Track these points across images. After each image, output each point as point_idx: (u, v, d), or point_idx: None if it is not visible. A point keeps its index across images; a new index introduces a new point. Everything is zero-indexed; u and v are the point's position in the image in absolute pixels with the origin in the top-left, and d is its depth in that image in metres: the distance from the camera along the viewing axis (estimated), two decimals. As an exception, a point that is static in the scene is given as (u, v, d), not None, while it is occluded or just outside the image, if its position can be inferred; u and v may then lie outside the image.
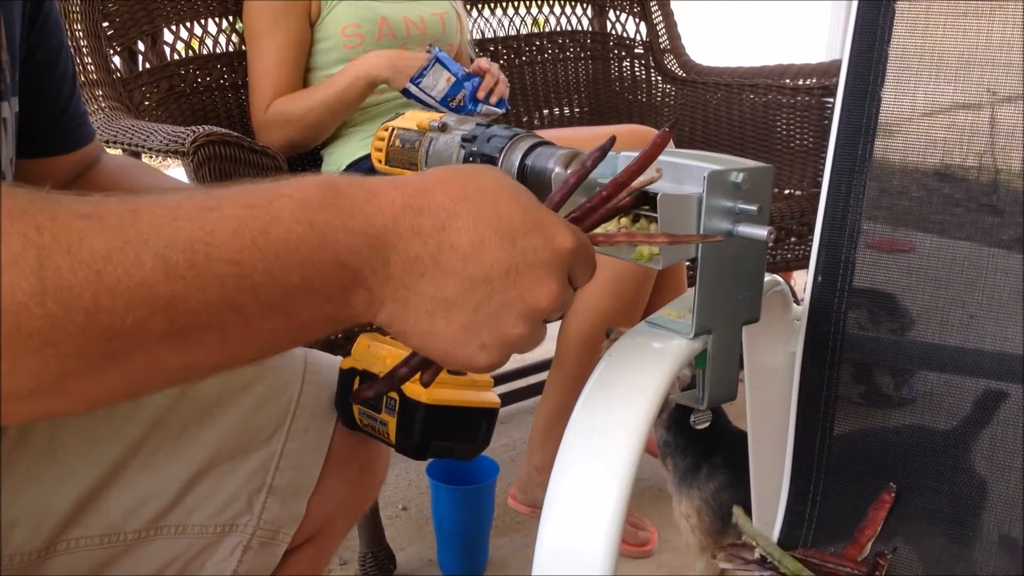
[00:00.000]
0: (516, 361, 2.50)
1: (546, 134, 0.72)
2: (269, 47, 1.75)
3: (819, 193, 0.95)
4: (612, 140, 0.60)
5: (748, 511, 0.99)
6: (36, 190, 0.41)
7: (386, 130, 0.73)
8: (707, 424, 0.71)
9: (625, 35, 2.49)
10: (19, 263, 0.38)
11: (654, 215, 0.60)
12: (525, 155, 0.68)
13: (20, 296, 0.38)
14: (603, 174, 0.65)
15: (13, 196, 0.40)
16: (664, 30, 2.45)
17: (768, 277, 0.77)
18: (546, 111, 2.39)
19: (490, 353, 0.52)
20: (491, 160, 0.66)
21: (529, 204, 0.53)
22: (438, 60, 1.70)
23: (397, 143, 0.72)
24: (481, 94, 1.74)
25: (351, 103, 1.73)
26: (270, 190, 0.47)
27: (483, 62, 1.76)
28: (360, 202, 0.49)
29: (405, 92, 1.71)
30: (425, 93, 1.69)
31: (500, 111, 1.80)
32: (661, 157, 0.64)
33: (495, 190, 0.52)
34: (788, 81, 2.13)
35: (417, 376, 0.71)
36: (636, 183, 0.59)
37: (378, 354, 0.75)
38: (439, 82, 1.70)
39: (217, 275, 0.44)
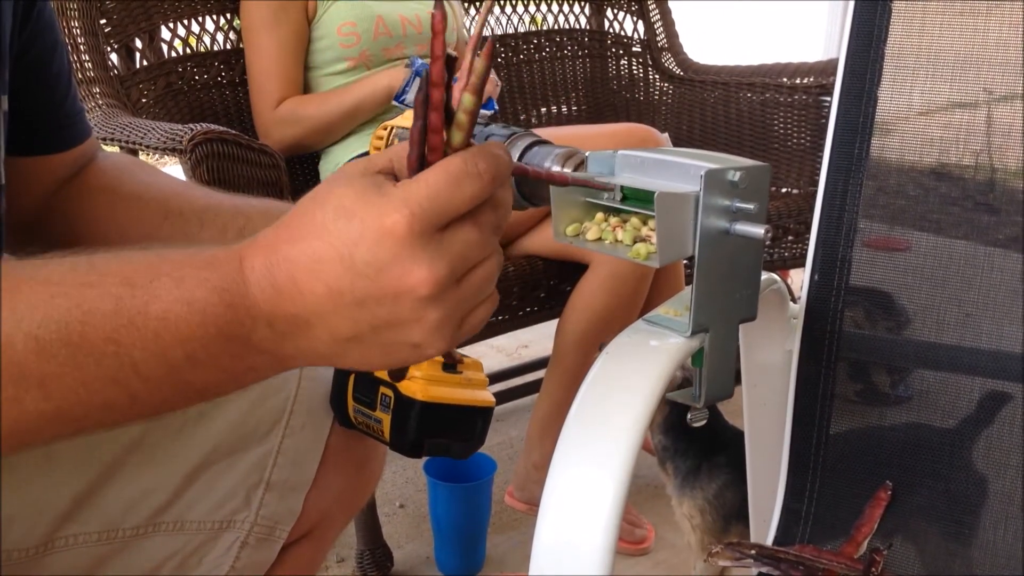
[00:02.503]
0: (513, 359, 2.50)
1: (544, 132, 0.72)
2: (269, 44, 1.75)
3: (816, 192, 0.95)
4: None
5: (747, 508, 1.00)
6: None
7: (385, 128, 0.73)
8: (704, 422, 0.72)
9: (623, 33, 2.49)
10: None
11: (651, 213, 0.60)
12: (523, 153, 0.68)
13: None
14: (600, 172, 0.65)
15: None
16: (662, 28, 2.45)
17: (765, 275, 0.77)
18: (543, 109, 2.39)
19: (430, 344, 0.50)
20: None
21: (346, 201, 0.48)
22: (418, 74, 1.70)
23: (395, 142, 0.72)
24: None
25: (370, 111, 1.75)
26: (151, 267, 0.48)
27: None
28: (229, 270, 0.49)
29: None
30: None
31: (488, 112, 1.80)
32: (659, 155, 0.64)
33: (311, 208, 0.50)
34: (785, 80, 2.13)
35: (411, 374, 0.72)
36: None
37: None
38: None
39: (92, 354, 0.45)
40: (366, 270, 0.48)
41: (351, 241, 0.48)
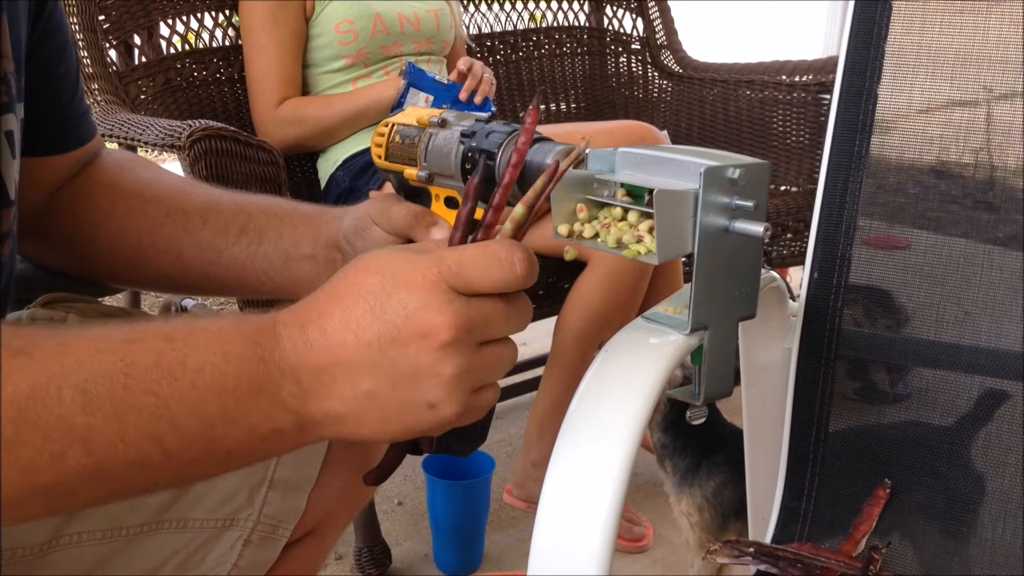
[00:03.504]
0: (512, 356, 2.50)
1: (544, 130, 0.72)
2: (269, 44, 1.75)
3: (815, 189, 0.95)
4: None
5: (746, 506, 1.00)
6: None
7: (386, 126, 0.73)
8: (703, 420, 0.72)
9: (622, 31, 2.49)
10: None
11: (649, 211, 0.60)
12: (523, 151, 0.68)
13: None
14: (600, 170, 0.65)
15: None
16: (661, 26, 2.46)
17: (764, 273, 0.77)
18: (543, 106, 2.39)
19: (446, 403, 0.52)
20: (490, 155, 0.65)
21: (386, 263, 0.52)
22: (411, 85, 1.71)
23: (397, 139, 0.72)
24: (464, 96, 1.74)
25: (372, 118, 1.76)
26: (189, 324, 0.51)
27: (463, 65, 1.76)
28: (264, 328, 0.52)
29: None
30: None
31: (486, 113, 1.80)
32: (659, 152, 0.64)
33: (355, 272, 0.53)
34: (785, 78, 2.13)
35: None
36: (562, 167, 0.58)
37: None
38: (418, 104, 1.70)
39: (134, 406, 0.46)
40: (393, 317, 0.51)
41: (383, 292, 0.51)
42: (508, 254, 0.53)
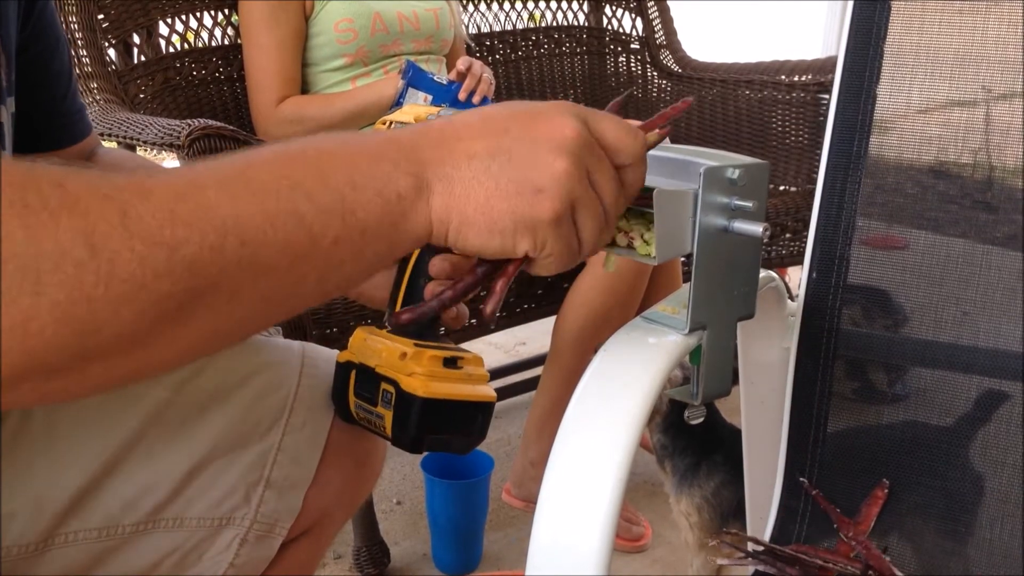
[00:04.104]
0: (511, 356, 2.50)
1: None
2: (268, 43, 1.75)
3: (814, 189, 0.95)
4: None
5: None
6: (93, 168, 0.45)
7: (384, 123, 0.73)
8: (701, 419, 0.72)
9: (621, 30, 2.49)
10: (105, 215, 0.41)
11: (649, 210, 0.60)
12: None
13: (112, 244, 0.41)
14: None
15: (86, 172, 0.43)
16: (660, 26, 2.45)
17: (763, 273, 0.77)
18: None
19: (549, 196, 0.54)
20: None
21: (514, 102, 0.58)
22: (410, 85, 1.71)
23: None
24: (463, 95, 1.74)
25: (373, 117, 1.76)
26: (305, 138, 0.53)
27: (461, 65, 1.76)
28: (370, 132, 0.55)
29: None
30: None
31: None
32: (658, 152, 0.64)
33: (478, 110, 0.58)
34: (784, 77, 2.13)
35: (413, 370, 0.72)
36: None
37: (375, 347, 0.75)
38: (417, 104, 1.71)
39: (272, 190, 0.47)
40: (523, 113, 0.55)
41: (519, 105, 0.57)
42: (635, 129, 0.59)
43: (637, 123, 0.62)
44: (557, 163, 0.54)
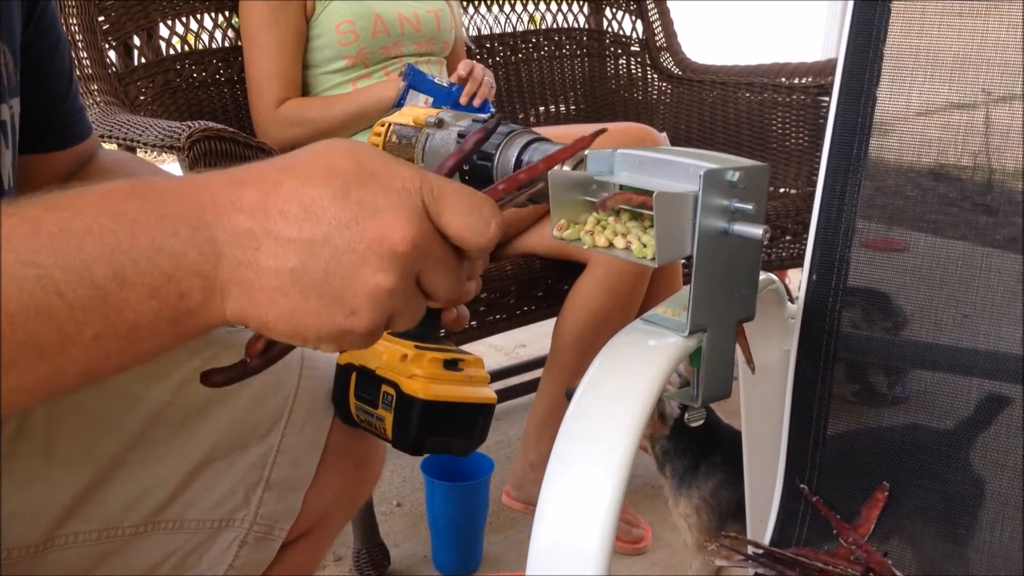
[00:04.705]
0: (511, 358, 2.50)
1: (542, 131, 0.72)
2: (269, 44, 1.75)
3: (814, 192, 0.95)
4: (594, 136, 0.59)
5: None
6: None
7: (383, 125, 0.73)
8: (701, 422, 0.72)
9: (621, 32, 2.49)
10: None
11: (649, 212, 0.60)
12: (522, 151, 0.68)
13: None
14: (599, 171, 0.65)
15: None
16: (660, 28, 2.45)
17: (763, 275, 0.77)
18: (542, 108, 2.39)
19: (364, 316, 0.47)
20: (487, 156, 0.66)
21: (366, 156, 0.48)
22: (411, 87, 1.71)
23: (393, 139, 0.72)
24: (464, 100, 1.74)
25: (373, 119, 1.75)
26: (75, 191, 0.45)
27: (463, 69, 1.76)
28: (173, 187, 0.46)
29: None
30: None
31: (484, 116, 1.81)
32: (658, 154, 0.64)
33: (326, 149, 0.49)
34: (784, 80, 2.13)
35: (413, 372, 0.72)
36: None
37: (375, 349, 0.75)
38: (418, 105, 1.71)
39: (15, 278, 0.41)
40: (356, 206, 0.46)
41: (355, 179, 0.47)
42: (490, 211, 0.50)
43: (501, 184, 0.56)
44: (378, 279, 0.47)
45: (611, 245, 0.64)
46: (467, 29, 2.24)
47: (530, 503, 1.84)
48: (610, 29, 2.50)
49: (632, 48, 2.48)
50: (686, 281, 0.68)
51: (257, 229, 0.45)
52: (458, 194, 0.49)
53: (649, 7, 2.46)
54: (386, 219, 0.46)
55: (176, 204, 0.45)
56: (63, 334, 0.42)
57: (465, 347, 0.89)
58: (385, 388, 0.73)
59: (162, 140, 1.35)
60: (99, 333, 0.43)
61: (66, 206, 0.43)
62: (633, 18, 2.48)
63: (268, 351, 0.56)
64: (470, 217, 0.49)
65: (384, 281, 0.47)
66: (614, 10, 2.49)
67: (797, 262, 1.98)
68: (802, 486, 0.93)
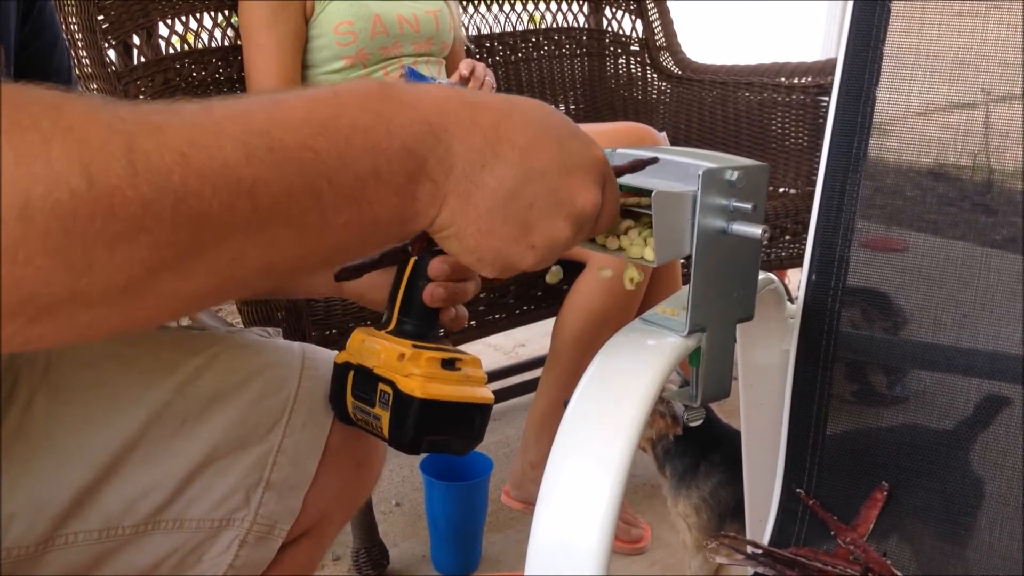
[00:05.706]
0: (511, 358, 2.50)
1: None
2: (268, 44, 1.75)
3: (814, 191, 0.95)
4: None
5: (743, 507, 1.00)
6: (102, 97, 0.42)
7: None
8: (700, 421, 0.72)
9: (621, 32, 2.49)
10: (108, 147, 0.38)
11: (648, 212, 0.60)
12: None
13: (113, 179, 0.38)
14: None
15: (86, 97, 0.40)
16: (660, 27, 2.45)
17: (762, 275, 0.77)
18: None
19: (537, 254, 0.54)
20: None
21: (564, 116, 0.56)
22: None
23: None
24: None
25: None
26: (330, 87, 0.49)
27: (464, 69, 1.76)
28: (420, 95, 0.50)
29: None
30: None
31: None
32: (658, 154, 0.64)
33: (529, 101, 0.55)
34: (783, 79, 2.13)
35: (410, 371, 0.72)
36: None
37: (373, 348, 0.75)
38: None
39: (294, 159, 0.44)
40: (569, 159, 0.53)
41: (568, 133, 0.54)
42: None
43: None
44: (561, 229, 0.54)
45: (610, 245, 0.64)
46: (467, 29, 2.24)
47: (529, 503, 1.84)
48: (610, 29, 2.50)
49: (632, 48, 2.48)
50: (686, 281, 0.68)
51: (488, 149, 0.51)
52: (616, 185, 0.59)
53: (649, 7, 2.46)
54: (585, 179, 0.54)
55: (423, 110, 0.50)
56: (324, 216, 0.46)
57: (464, 346, 0.89)
58: (382, 387, 0.73)
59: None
60: (349, 220, 0.47)
61: (329, 100, 0.48)
62: (633, 18, 2.48)
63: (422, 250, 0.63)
64: (616, 204, 0.59)
65: (565, 230, 0.54)
66: (614, 10, 2.48)
67: (797, 262, 1.98)
68: (799, 490, 0.93)
